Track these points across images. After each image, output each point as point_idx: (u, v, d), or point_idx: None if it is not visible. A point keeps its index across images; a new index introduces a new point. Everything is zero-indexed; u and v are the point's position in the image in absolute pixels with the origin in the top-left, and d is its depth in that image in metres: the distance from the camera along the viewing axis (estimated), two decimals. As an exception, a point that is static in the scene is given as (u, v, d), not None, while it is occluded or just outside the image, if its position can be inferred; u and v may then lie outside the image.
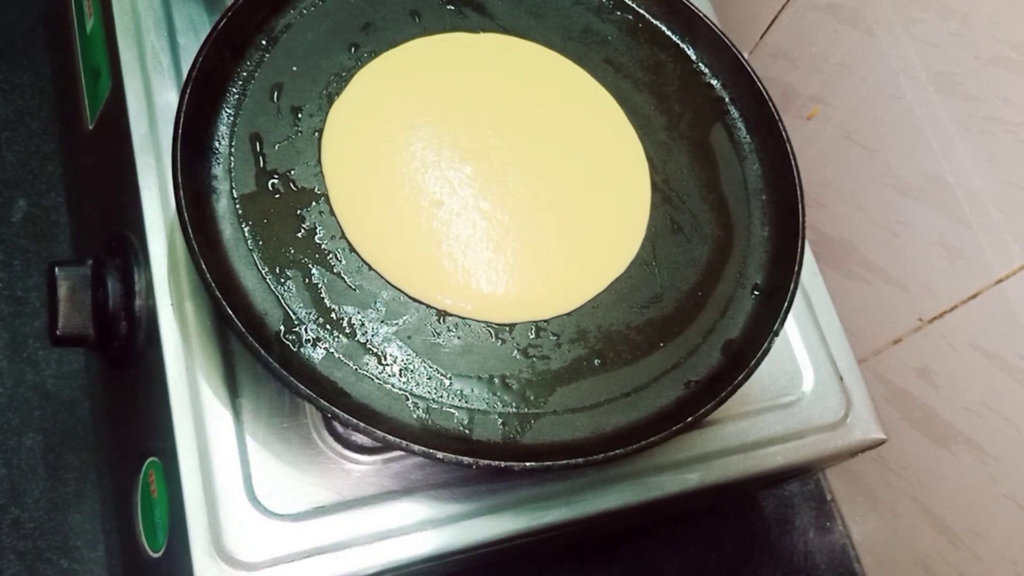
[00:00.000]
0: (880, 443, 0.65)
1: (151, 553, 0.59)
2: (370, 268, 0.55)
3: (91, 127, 0.74)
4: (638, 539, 0.88)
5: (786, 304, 0.57)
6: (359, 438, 0.56)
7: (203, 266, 0.49)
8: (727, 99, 0.67)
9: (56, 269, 0.60)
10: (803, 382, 0.65)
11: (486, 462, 0.49)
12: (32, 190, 0.90)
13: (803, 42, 0.89)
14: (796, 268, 0.59)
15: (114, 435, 0.77)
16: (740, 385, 0.54)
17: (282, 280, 0.54)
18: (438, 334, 0.55)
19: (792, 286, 0.58)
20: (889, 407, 0.85)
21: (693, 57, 0.68)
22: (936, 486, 0.83)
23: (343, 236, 0.56)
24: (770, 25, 0.93)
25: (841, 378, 0.66)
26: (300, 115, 0.59)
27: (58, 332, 0.60)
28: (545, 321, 0.57)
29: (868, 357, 0.86)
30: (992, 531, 0.77)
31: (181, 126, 0.53)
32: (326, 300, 0.54)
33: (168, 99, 0.63)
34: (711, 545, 0.91)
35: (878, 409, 0.66)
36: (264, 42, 0.60)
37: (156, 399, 0.56)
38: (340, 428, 0.56)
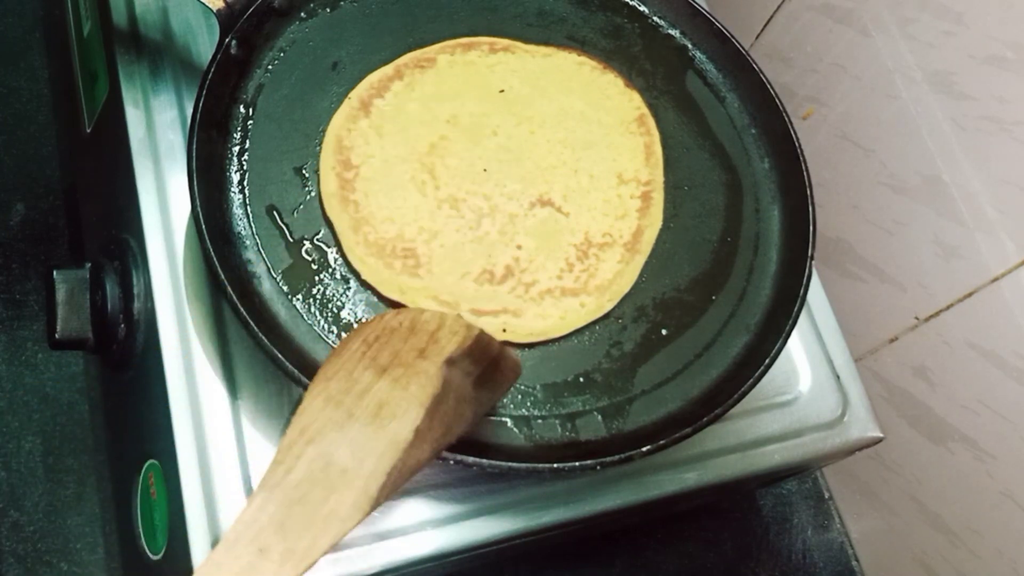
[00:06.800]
0: (877, 441, 0.65)
1: (151, 555, 0.59)
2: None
3: (89, 131, 0.74)
4: (636, 538, 0.89)
5: (811, 220, 0.59)
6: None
7: (293, 371, 0.48)
8: (690, 45, 0.68)
9: (55, 272, 0.61)
10: (800, 381, 0.65)
11: (610, 459, 0.50)
12: (30, 194, 0.90)
13: (798, 42, 0.89)
14: (807, 188, 0.61)
15: (113, 438, 0.77)
16: (800, 310, 0.57)
17: None
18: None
19: (808, 203, 0.60)
20: (886, 405, 0.85)
21: (647, 12, 0.69)
22: (934, 484, 0.83)
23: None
24: (765, 25, 0.93)
25: (838, 377, 0.66)
26: (305, 174, 0.57)
27: (57, 335, 0.60)
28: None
29: (865, 356, 0.87)
30: (990, 528, 0.77)
31: (203, 221, 0.51)
32: None
33: (165, 101, 0.63)
34: (709, 544, 0.91)
35: (875, 407, 0.66)
36: (243, 110, 0.58)
37: (155, 401, 0.56)
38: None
